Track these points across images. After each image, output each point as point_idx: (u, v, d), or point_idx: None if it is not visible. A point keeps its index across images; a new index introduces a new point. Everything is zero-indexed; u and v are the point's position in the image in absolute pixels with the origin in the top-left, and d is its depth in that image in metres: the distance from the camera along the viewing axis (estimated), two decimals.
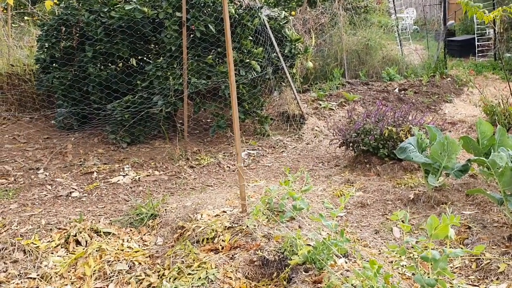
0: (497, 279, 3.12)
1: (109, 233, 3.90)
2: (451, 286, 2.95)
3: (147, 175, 5.45)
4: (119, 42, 5.98)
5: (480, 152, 4.45)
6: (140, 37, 6.02)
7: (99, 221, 4.12)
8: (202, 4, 5.84)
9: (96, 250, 3.59)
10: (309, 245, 3.17)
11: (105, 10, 5.92)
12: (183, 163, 5.90)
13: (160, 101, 6.04)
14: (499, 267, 3.19)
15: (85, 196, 4.83)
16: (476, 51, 13.31)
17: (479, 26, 13.12)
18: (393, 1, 12.60)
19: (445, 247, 2.79)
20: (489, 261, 3.28)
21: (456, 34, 16.06)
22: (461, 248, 3.37)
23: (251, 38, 6.41)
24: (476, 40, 13.36)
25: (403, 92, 9.14)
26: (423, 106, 8.27)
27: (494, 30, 11.12)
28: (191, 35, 6.09)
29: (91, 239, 3.78)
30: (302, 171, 4.17)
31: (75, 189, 4.97)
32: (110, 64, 6.43)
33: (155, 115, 6.29)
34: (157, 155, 6.10)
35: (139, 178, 5.33)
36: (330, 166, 5.71)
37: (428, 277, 2.54)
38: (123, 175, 5.35)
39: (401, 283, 2.92)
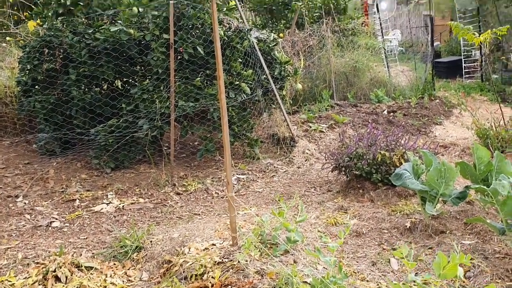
0: None
1: (91, 267, 3.64)
2: None
3: (132, 203, 5.21)
4: (104, 64, 5.80)
5: (477, 178, 4.32)
6: (125, 59, 5.86)
7: (81, 254, 3.87)
8: (190, 26, 5.71)
9: (78, 286, 3.34)
10: (305, 282, 2.97)
11: (90, 31, 5.75)
12: (169, 189, 5.68)
13: (146, 124, 5.84)
14: None
15: (66, 226, 4.57)
16: (463, 72, 13.44)
17: (465, 48, 13.27)
18: (380, 23, 12.68)
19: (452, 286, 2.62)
20: None
21: (442, 56, 16.27)
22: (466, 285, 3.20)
23: (241, 60, 6.28)
24: (462, 62, 13.50)
25: (392, 114, 9.08)
26: (413, 128, 8.20)
27: (481, 51, 11.23)
28: (179, 57, 5.94)
29: (71, 275, 3.52)
30: (296, 199, 3.98)
31: (56, 219, 4.71)
32: (94, 87, 6.23)
33: (140, 139, 6.09)
34: (142, 181, 5.88)
35: (123, 206, 5.09)
36: (323, 191, 5.53)
37: None
38: (107, 203, 5.11)
39: None
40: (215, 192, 5.63)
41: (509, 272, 3.39)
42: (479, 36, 6.78)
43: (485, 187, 3.70)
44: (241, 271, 3.25)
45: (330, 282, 2.73)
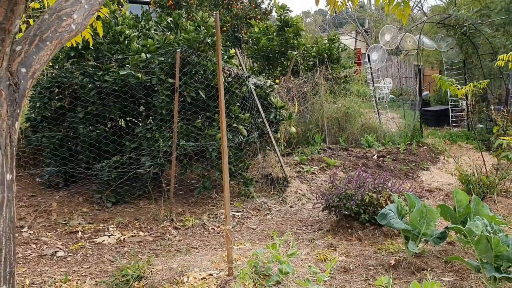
0: None
1: None
2: None
3: (132, 236, 5.47)
4: (111, 104, 6.19)
5: (457, 220, 4.65)
6: (131, 100, 6.25)
7: (85, 282, 4.11)
8: (193, 72, 6.15)
9: None
10: None
11: (99, 74, 6.17)
12: (168, 224, 5.94)
13: (148, 162, 6.17)
14: None
15: (70, 255, 4.81)
16: (450, 121, 13.98)
17: (452, 98, 13.86)
18: (371, 72, 13.29)
19: None
20: None
21: (431, 104, 16.88)
22: None
23: (239, 104, 6.69)
24: (450, 111, 14.06)
25: (381, 159, 9.47)
26: (401, 173, 8.57)
27: (467, 102, 11.78)
28: (182, 100, 6.35)
29: None
30: (288, 235, 4.28)
31: (60, 249, 4.95)
32: (100, 125, 6.60)
33: (142, 175, 6.39)
34: (142, 216, 6.14)
35: (124, 238, 5.35)
36: (314, 230, 5.82)
37: None
38: (108, 235, 5.36)
39: None
40: (212, 228, 5.90)
41: None
42: (462, 88, 7.27)
43: (461, 227, 4.03)
44: None
45: None
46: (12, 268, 1.73)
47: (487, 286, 3.86)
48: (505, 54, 6.89)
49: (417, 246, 4.57)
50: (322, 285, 3.17)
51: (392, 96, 19.34)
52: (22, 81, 1.69)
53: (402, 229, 4.59)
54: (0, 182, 1.76)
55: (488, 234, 3.72)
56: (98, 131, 6.43)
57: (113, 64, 6.52)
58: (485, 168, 7.24)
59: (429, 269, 4.35)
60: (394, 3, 3.16)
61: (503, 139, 6.23)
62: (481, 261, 3.86)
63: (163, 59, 6.10)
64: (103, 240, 5.23)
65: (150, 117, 6.56)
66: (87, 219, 5.89)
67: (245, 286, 3.67)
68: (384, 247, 5.04)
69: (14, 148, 1.85)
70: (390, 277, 2.93)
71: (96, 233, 5.45)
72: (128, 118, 6.82)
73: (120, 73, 5.86)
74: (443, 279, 4.16)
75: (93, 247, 5.05)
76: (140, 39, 6.41)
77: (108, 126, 6.86)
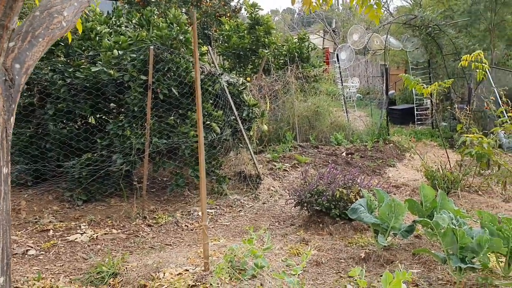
0: None
1: None
2: None
3: (105, 233, 5.44)
4: (82, 101, 6.11)
5: (423, 214, 4.84)
6: (103, 97, 6.19)
7: (59, 280, 4.08)
8: (166, 69, 6.14)
9: None
10: None
11: (70, 70, 6.08)
12: (140, 221, 5.93)
13: (120, 159, 6.13)
14: None
15: (42, 254, 4.75)
16: (415, 119, 14.40)
17: (417, 97, 14.27)
18: (340, 71, 13.55)
19: None
20: None
21: (397, 103, 17.33)
22: None
23: (212, 102, 6.73)
24: (415, 110, 14.48)
25: (350, 156, 9.69)
26: (369, 169, 8.80)
27: (431, 101, 12.16)
28: (154, 97, 6.34)
29: None
30: (263, 230, 4.36)
31: (31, 247, 4.88)
32: (70, 122, 6.51)
33: (113, 173, 6.35)
34: (114, 213, 6.11)
35: (96, 236, 5.31)
36: (286, 225, 5.93)
37: None
38: (81, 233, 5.31)
39: None
40: (185, 225, 5.92)
41: None
42: (427, 87, 7.53)
43: (428, 220, 4.21)
44: None
45: None
46: (9, 260, 1.78)
47: (452, 276, 4.05)
48: (468, 55, 7.18)
49: (386, 239, 4.74)
50: (297, 277, 3.26)
51: (359, 95, 19.73)
52: (17, 77, 1.70)
53: (372, 223, 4.75)
54: None
55: (454, 227, 3.90)
56: (68, 128, 6.34)
57: (83, 61, 6.44)
58: (450, 164, 7.52)
59: (397, 261, 4.52)
60: (368, 4, 3.28)
61: (467, 137, 6.51)
62: (447, 253, 4.05)
63: (135, 55, 6.06)
64: (76, 238, 5.18)
65: (122, 114, 6.52)
66: (58, 217, 5.81)
67: (222, 280, 3.73)
68: (354, 241, 5.19)
69: (9, 143, 1.86)
70: (363, 269, 3.06)
71: (68, 231, 5.39)
72: (99, 115, 6.75)
73: (92, 70, 5.80)
74: (412, 270, 4.32)
75: (65, 245, 5.00)
76: (111, 36, 6.35)
77: (79, 123, 6.77)
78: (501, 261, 4.25)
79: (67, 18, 1.86)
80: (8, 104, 1.69)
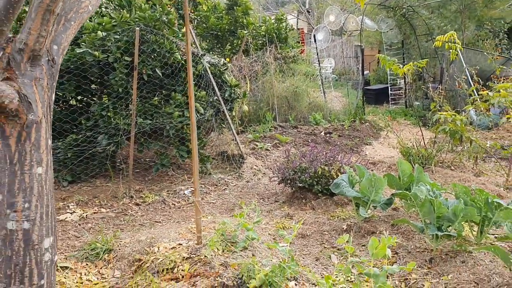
0: None
1: (66, 267, 3.99)
2: None
3: (94, 213, 5.54)
4: (65, 82, 6.12)
5: (401, 188, 5.13)
6: (87, 78, 6.21)
7: None
8: (150, 50, 6.20)
9: (56, 284, 3.67)
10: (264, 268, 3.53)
11: None
12: (128, 200, 6.05)
13: (105, 140, 6.19)
14: (424, 285, 3.74)
15: None
16: (390, 99, 14.76)
17: (391, 77, 14.61)
18: (317, 52, 13.73)
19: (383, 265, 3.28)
20: (416, 280, 3.84)
21: (371, 84, 17.68)
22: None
23: (195, 82, 6.82)
24: (389, 89, 14.84)
25: (328, 135, 9.96)
26: (347, 148, 9.09)
27: (405, 81, 12.51)
28: (138, 78, 6.39)
29: None
30: (254, 205, 4.56)
31: None
32: (54, 104, 6.50)
33: (98, 154, 6.41)
34: (100, 194, 6.20)
35: (86, 215, 5.41)
36: (271, 202, 6.15)
37: None
38: (70, 213, 5.40)
39: None
40: (172, 203, 6.07)
41: (427, 262, 4.14)
42: (402, 67, 7.79)
43: (407, 192, 4.49)
44: (208, 264, 3.76)
45: (285, 266, 3.32)
46: (55, 222, 2.02)
47: (430, 244, 4.34)
48: (442, 35, 7.46)
49: (367, 212, 5.01)
50: (288, 245, 3.48)
51: (334, 75, 20.01)
52: (55, 57, 1.82)
53: (354, 197, 5.00)
54: (45, 146, 1.91)
55: (431, 198, 4.18)
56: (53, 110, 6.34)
57: None
58: (424, 141, 7.86)
59: (378, 232, 4.79)
60: None
61: (441, 114, 6.81)
62: (424, 223, 4.33)
63: (119, 37, 6.09)
64: (66, 218, 5.27)
65: (106, 95, 6.55)
66: None
67: (215, 252, 3.91)
68: (336, 214, 5.45)
69: (51, 118, 1.99)
70: (350, 235, 3.28)
71: (57, 211, 5.46)
72: (82, 97, 6.76)
73: (77, 51, 5.80)
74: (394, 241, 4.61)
75: (56, 225, 5.08)
76: (94, 17, 6.34)
77: (64, 104, 6.77)
78: (474, 230, 4.56)
79: (92, 2, 1.98)
80: (51, 81, 1.82)
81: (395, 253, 4.34)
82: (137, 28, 5.79)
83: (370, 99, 15.18)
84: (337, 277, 3.87)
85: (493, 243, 4.41)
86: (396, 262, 4.22)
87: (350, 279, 3.89)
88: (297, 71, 11.85)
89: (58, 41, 1.86)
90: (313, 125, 10.76)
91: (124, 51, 6.07)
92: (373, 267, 3.10)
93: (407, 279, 3.88)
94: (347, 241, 3.15)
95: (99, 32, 5.96)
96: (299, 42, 18.23)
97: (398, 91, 14.87)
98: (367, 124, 11.28)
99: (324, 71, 15.96)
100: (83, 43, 5.96)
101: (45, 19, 1.69)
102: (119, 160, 7.33)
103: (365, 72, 18.29)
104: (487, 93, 6.66)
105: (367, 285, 3.37)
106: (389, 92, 14.79)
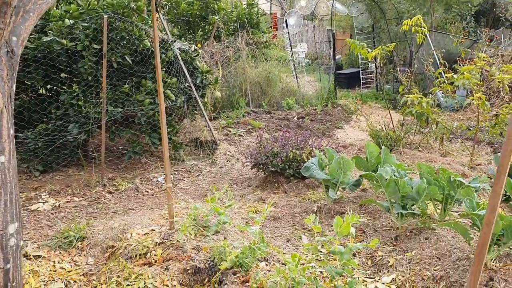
0: (388, 271, 3.82)
1: (39, 256, 4.02)
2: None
3: (67, 202, 5.54)
4: (33, 71, 6.04)
5: (369, 169, 5.28)
6: (55, 66, 6.13)
7: (27, 246, 4.19)
8: (119, 38, 6.15)
9: (29, 272, 3.70)
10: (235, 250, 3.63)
11: None
12: (101, 189, 6.05)
13: (76, 129, 6.15)
14: (389, 262, 3.91)
15: None
16: (361, 83, 14.98)
17: (363, 61, 14.80)
18: (289, 37, 13.78)
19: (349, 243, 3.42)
20: (381, 257, 4.00)
21: (343, 68, 17.86)
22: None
23: (165, 69, 6.81)
24: (360, 74, 15.04)
25: (301, 120, 10.09)
26: (319, 132, 9.24)
27: (376, 65, 12.71)
28: (108, 66, 6.34)
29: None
30: (226, 189, 4.64)
31: None
32: (22, 93, 6.42)
33: (69, 143, 6.37)
34: (73, 182, 6.18)
35: (59, 204, 5.41)
36: (244, 187, 6.25)
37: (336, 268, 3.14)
38: (43, 202, 5.39)
39: (316, 278, 3.49)
40: (145, 191, 6.11)
41: (393, 240, 4.31)
42: (372, 51, 7.93)
43: (373, 173, 4.64)
44: (180, 248, 3.84)
45: (255, 248, 3.42)
46: (20, 209, 2.10)
47: (395, 223, 4.51)
48: (409, 19, 7.61)
49: (336, 193, 5.16)
50: (259, 228, 3.58)
51: (308, 60, 20.12)
52: (15, 48, 1.85)
53: (323, 179, 5.14)
54: (7, 135, 1.94)
55: (396, 178, 4.34)
56: (20, 99, 6.25)
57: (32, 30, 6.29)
58: (392, 124, 8.05)
59: (346, 212, 4.94)
60: None
61: (408, 97, 6.99)
62: (390, 202, 4.50)
63: (87, 25, 6.02)
64: (38, 207, 5.26)
65: (75, 84, 6.49)
66: None
67: (187, 236, 3.99)
68: (307, 196, 5.59)
69: (12, 108, 2.02)
70: (316, 216, 3.40)
71: (29, 201, 5.44)
72: (52, 86, 6.68)
73: (44, 40, 5.72)
74: (359, 220, 4.77)
75: (28, 214, 5.08)
76: (61, 5, 6.25)
77: (33, 94, 6.68)
78: (439, 208, 4.75)
79: None
80: (11, 72, 1.85)
81: (362, 232, 4.50)
82: (105, 16, 5.74)
83: (343, 83, 15.35)
84: (307, 256, 4.00)
85: (456, 220, 4.61)
86: (363, 240, 4.37)
87: (320, 257, 4.03)
88: (270, 56, 11.90)
89: (17, 32, 1.89)
90: (286, 110, 10.87)
91: (93, 39, 6.02)
92: (340, 245, 3.24)
93: (373, 256, 4.05)
94: (313, 221, 3.27)
95: (66, 20, 5.88)
96: (272, 27, 18.25)
97: (370, 75, 15.09)
98: (339, 108, 11.45)
99: (297, 56, 16.05)
100: (50, 31, 5.88)
101: (2, 11, 1.72)
102: (91, 149, 7.30)
103: (337, 57, 18.46)
104: (452, 76, 6.86)
105: (334, 263, 3.50)
106: (361, 76, 14.99)
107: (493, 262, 3.69)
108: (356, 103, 10.95)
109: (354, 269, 3.87)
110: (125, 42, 6.26)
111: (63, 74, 6.47)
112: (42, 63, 5.92)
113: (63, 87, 6.59)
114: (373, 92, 14.16)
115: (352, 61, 17.84)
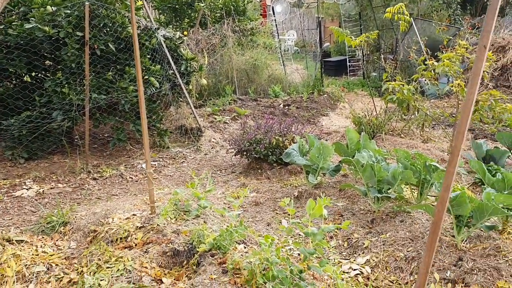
0: (363, 253, 3.95)
1: (22, 240, 4.07)
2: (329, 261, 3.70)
3: (51, 188, 5.59)
4: (16, 58, 6.03)
5: (349, 155, 5.38)
6: (38, 54, 6.13)
7: (10, 231, 4.25)
8: (102, 25, 6.16)
9: (11, 256, 3.77)
10: (213, 233, 3.72)
11: (1, 27, 5.95)
12: (85, 175, 6.11)
13: (60, 116, 6.17)
14: (364, 244, 4.03)
15: None
16: (348, 70, 15.05)
17: (350, 49, 14.85)
18: (276, 25, 13.79)
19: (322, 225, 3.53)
20: (357, 239, 4.13)
21: (332, 55, 17.91)
22: (335, 230, 4.18)
23: (149, 57, 6.83)
24: (348, 61, 15.11)
25: (287, 107, 10.17)
26: (304, 119, 9.33)
27: (362, 52, 12.78)
28: (91, 53, 6.35)
29: (3, 247, 3.93)
30: (206, 174, 4.72)
31: None
32: (6, 80, 6.41)
33: (54, 130, 6.39)
34: (58, 169, 6.23)
35: (43, 191, 5.46)
36: (228, 173, 6.34)
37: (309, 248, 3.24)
38: (27, 189, 5.43)
39: (288, 258, 3.60)
40: (129, 177, 6.17)
41: (369, 223, 4.43)
42: (356, 39, 7.99)
43: (350, 158, 4.74)
44: (160, 232, 3.92)
45: (233, 230, 3.52)
46: None
47: (372, 206, 4.63)
48: (392, 7, 7.67)
49: (316, 179, 5.26)
50: (237, 212, 3.66)
51: (296, 48, 20.14)
52: None
53: (304, 165, 5.24)
54: None
55: (372, 163, 4.44)
56: (3, 87, 6.25)
57: (14, 17, 6.28)
58: (376, 111, 8.16)
59: (326, 197, 5.05)
60: None
61: (390, 84, 7.09)
62: (367, 186, 4.61)
63: (69, 12, 6.02)
64: (22, 194, 5.31)
65: (59, 71, 6.49)
66: (0, 176, 5.86)
67: (168, 221, 4.08)
68: (289, 182, 5.69)
69: None
70: (291, 200, 3.49)
71: (13, 187, 5.49)
72: (35, 73, 6.68)
73: (25, 27, 5.72)
74: (337, 204, 4.90)
75: (12, 201, 5.13)
76: None
77: (16, 81, 6.68)
78: (415, 192, 4.88)
79: None
80: None
81: (340, 216, 4.62)
82: (87, 3, 5.74)
83: (330, 71, 15.41)
84: (285, 238, 4.11)
85: (433, 203, 4.74)
86: (340, 223, 4.48)
87: (297, 240, 4.14)
88: (257, 44, 11.92)
89: None
90: (273, 98, 10.93)
91: (75, 26, 6.02)
92: (314, 227, 3.34)
93: (349, 238, 4.17)
94: (288, 204, 3.37)
95: (48, 6, 5.87)
96: (261, 15, 18.20)
97: (357, 63, 15.16)
98: (325, 95, 11.53)
99: (284, 44, 16.07)
100: (32, 18, 5.87)
101: None
102: (76, 136, 7.34)
103: (326, 44, 18.50)
104: (433, 63, 6.95)
105: (311, 245, 3.61)
106: (348, 63, 15.06)
107: (463, 243, 3.82)
108: (341, 90, 11.03)
109: (329, 251, 4.00)
110: (108, 29, 6.26)
111: (47, 62, 6.46)
112: (25, 50, 5.92)
113: (47, 74, 6.59)
114: (360, 80, 14.25)
115: (340, 48, 17.87)
